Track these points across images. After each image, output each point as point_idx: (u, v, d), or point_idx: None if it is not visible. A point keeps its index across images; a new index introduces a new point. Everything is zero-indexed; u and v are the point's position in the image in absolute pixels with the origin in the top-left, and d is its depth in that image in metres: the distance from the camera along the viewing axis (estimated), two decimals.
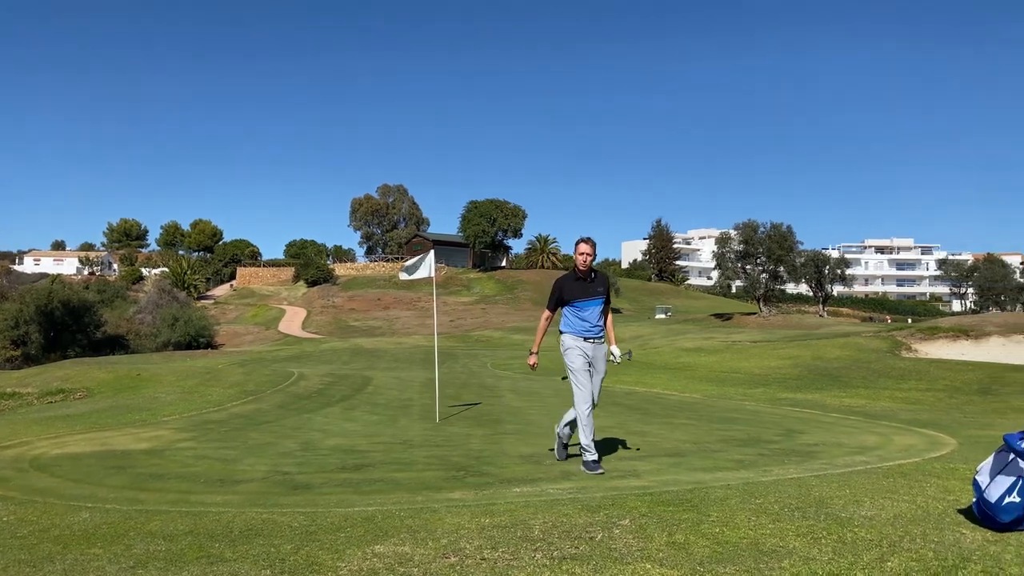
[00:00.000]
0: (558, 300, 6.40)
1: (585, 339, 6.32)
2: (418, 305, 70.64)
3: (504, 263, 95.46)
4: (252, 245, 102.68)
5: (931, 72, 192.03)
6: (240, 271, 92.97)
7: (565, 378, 6.41)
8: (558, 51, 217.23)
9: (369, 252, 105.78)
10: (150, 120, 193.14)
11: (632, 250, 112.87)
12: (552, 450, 7.19)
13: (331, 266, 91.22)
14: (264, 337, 58.04)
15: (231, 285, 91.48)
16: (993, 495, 3.92)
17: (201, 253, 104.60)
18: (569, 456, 6.94)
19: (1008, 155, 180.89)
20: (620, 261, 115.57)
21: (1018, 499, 3.82)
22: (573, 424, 6.58)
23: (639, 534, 3.93)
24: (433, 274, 11.48)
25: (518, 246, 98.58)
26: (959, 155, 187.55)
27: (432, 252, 12.01)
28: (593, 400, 6.35)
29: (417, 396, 15.66)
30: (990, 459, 4.13)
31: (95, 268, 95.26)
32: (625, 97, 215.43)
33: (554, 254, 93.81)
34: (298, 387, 17.58)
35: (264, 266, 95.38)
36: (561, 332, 6.42)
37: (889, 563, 3.33)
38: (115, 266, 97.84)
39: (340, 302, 75.04)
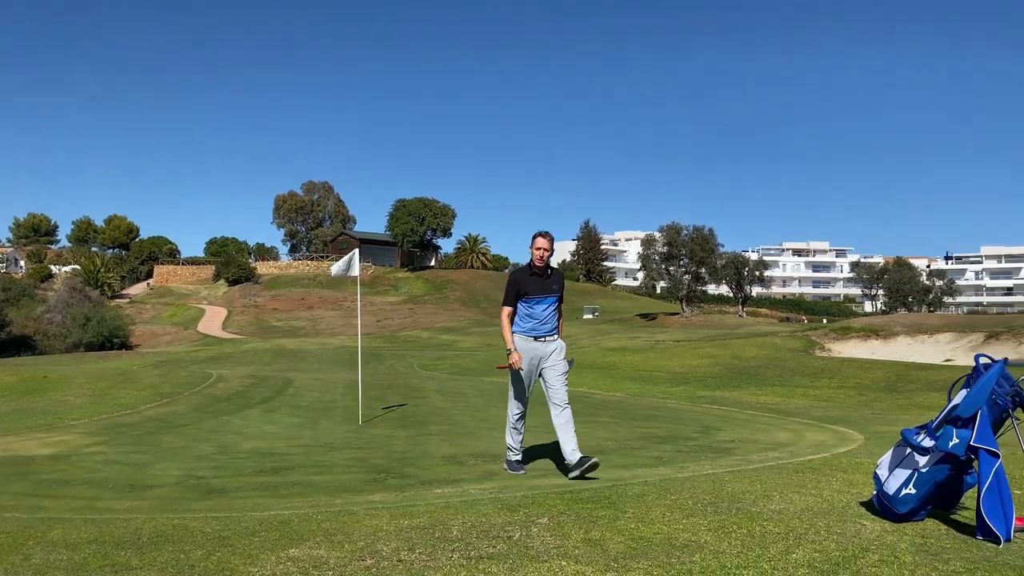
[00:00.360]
0: (516, 294, 6.09)
1: (536, 338, 6.07)
2: (343, 305, 69.63)
3: (433, 263, 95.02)
4: (170, 242, 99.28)
5: (842, 75, 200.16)
6: (158, 269, 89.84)
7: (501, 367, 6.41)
8: (485, 53, 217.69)
9: (293, 250, 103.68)
10: (61, 112, 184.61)
11: (560, 251, 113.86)
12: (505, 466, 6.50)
13: (253, 265, 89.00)
14: (182, 337, 56.24)
15: (148, 284, 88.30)
16: (891, 487, 4.11)
17: (116, 250, 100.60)
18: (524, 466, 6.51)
19: (916, 164, 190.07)
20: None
21: (914, 491, 4.02)
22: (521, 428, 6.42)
23: (557, 532, 3.97)
24: (358, 273, 11.33)
25: (447, 245, 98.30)
26: (873, 162, 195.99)
27: (357, 251, 11.85)
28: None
29: (340, 398, 15.43)
30: (889, 453, 4.33)
31: None
32: (553, 100, 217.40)
33: (484, 254, 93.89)
34: (216, 389, 17.10)
35: (183, 264, 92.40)
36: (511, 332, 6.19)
37: (794, 555, 3.45)
38: (22, 263, 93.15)
39: (262, 302, 73.32)
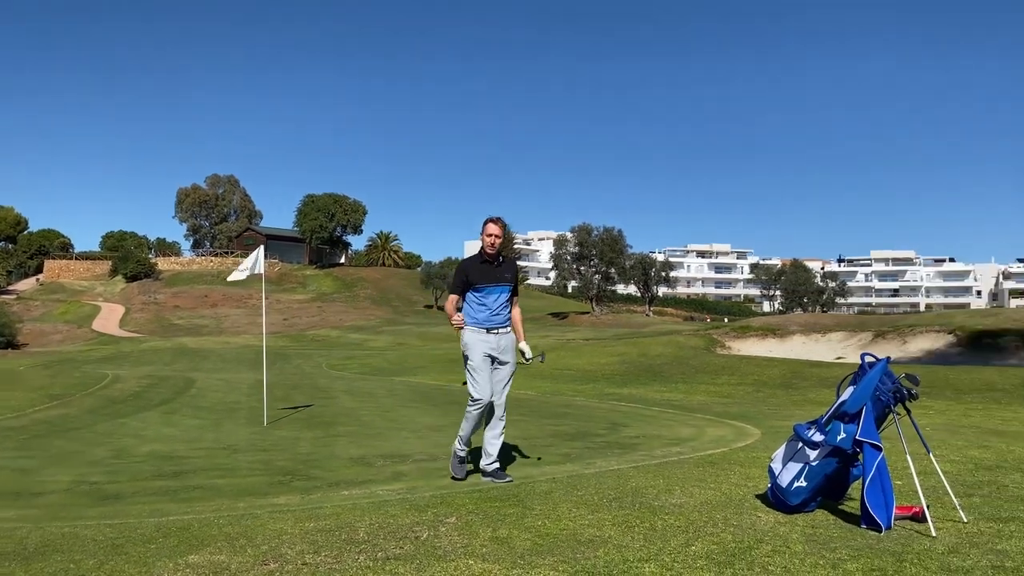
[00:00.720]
0: (463, 283, 5.69)
1: (488, 330, 5.63)
2: (248, 303, 67.62)
3: (343, 260, 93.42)
4: (63, 236, 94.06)
5: (740, 82, 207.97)
6: (48, 264, 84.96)
7: (465, 383, 5.71)
8: (394, 50, 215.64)
9: (196, 246, 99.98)
10: None
11: (475, 249, 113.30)
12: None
13: (153, 260, 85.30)
14: (75, 336, 53.41)
15: (37, 279, 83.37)
16: (784, 480, 4.31)
17: (2, 244, 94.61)
18: (469, 473, 5.98)
19: (813, 171, 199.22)
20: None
21: (805, 483, 4.23)
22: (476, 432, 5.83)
23: (464, 531, 3.98)
24: (263, 270, 11.04)
25: (358, 243, 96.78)
26: (773, 168, 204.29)
27: (262, 248, 11.54)
28: (492, 398, 5.62)
29: (244, 399, 15.00)
30: (783, 448, 4.54)
31: None
32: (466, 99, 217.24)
33: (396, 252, 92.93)
34: (112, 390, 16.34)
35: (77, 259, 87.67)
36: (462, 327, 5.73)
37: (693, 547, 3.58)
38: None
39: (163, 299, 70.42)
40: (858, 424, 4.10)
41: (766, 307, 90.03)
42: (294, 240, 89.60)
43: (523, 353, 5.89)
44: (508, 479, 5.55)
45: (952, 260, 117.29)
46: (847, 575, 3.17)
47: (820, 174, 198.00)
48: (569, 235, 55.30)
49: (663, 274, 62.19)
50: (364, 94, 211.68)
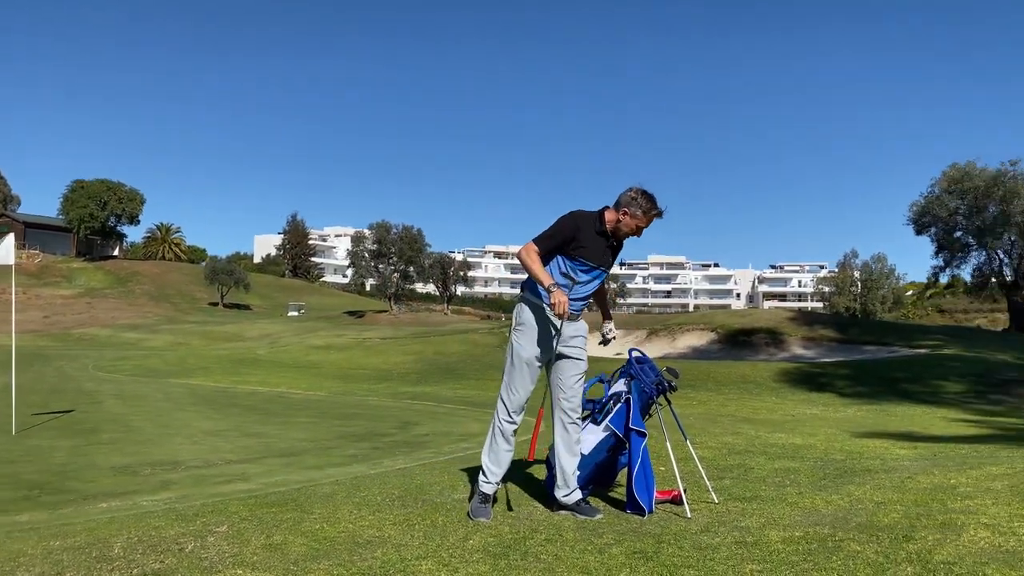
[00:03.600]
0: (566, 241, 4.03)
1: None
2: (0, 297, 60.08)
3: (117, 252, 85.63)
4: None
5: (535, 85, 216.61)
6: None
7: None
8: (188, 30, 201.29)
9: None
10: None
11: (266, 244, 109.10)
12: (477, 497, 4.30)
13: None
14: None
15: None
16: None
17: None
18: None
19: (599, 175, 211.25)
20: (252, 255, 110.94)
21: (579, 472, 4.44)
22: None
23: (235, 539, 3.77)
24: (12, 261, 9.81)
25: (135, 234, 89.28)
26: (565, 170, 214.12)
27: (12, 236, 10.27)
28: (564, 406, 4.25)
29: None
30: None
31: None
32: (257, 88, 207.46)
33: (178, 245, 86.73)
34: None
35: None
36: (522, 296, 4.26)
37: (471, 541, 3.63)
38: None
39: None
40: (626, 414, 4.38)
41: None
42: (59, 229, 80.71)
43: (609, 333, 4.67)
44: (598, 515, 4.11)
45: (717, 265, 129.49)
46: (612, 559, 3.36)
47: (607, 180, 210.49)
48: (367, 232, 54.51)
49: (461, 273, 63.07)
50: (147, 73, 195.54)
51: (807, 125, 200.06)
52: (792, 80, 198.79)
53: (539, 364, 4.23)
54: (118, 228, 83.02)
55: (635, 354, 4.65)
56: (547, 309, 4.04)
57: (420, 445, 7.73)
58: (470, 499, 4.37)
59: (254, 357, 25.65)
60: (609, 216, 4.09)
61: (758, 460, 6.25)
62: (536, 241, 4.04)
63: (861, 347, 23.16)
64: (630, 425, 4.32)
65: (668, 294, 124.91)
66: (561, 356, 4.25)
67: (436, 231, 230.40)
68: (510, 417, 4.26)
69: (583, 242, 4.02)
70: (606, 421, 4.50)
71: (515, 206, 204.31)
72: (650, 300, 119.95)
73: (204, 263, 76.56)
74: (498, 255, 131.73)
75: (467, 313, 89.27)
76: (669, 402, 4.55)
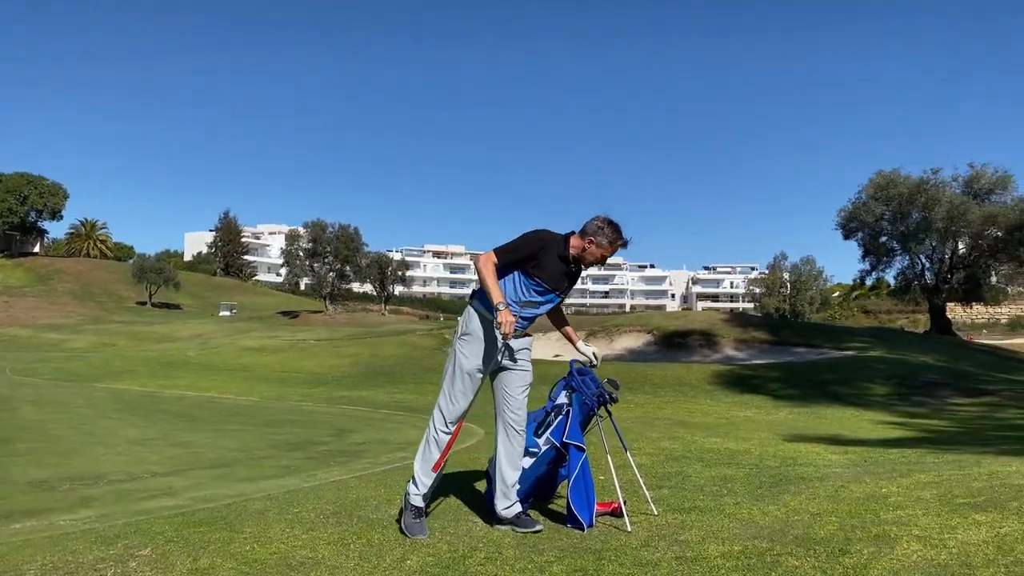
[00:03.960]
0: (526, 259, 3.98)
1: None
2: None
3: (38, 249, 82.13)
4: None
5: (470, 90, 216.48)
6: None
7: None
8: (111, 26, 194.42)
9: None
10: None
11: (196, 242, 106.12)
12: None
13: None
14: None
15: None
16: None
17: None
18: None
19: (538, 172, 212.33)
20: (183, 253, 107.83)
21: (519, 486, 4.38)
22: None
23: (159, 564, 3.58)
24: None
25: (57, 230, 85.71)
26: (503, 168, 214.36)
27: None
28: (509, 417, 4.18)
29: None
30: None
31: None
32: (188, 84, 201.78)
33: (104, 242, 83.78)
34: None
35: None
36: (471, 304, 4.11)
37: (408, 561, 3.53)
38: None
39: None
40: (565, 427, 4.35)
41: None
42: None
43: (591, 355, 4.52)
44: (537, 527, 4.05)
45: (652, 266, 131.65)
46: None
47: (545, 180, 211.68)
48: (302, 230, 53.54)
49: (400, 273, 62.57)
50: (72, 64, 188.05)
51: (742, 128, 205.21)
52: (728, 85, 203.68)
53: (481, 376, 4.16)
54: (39, 224, 79.69)
55: (576, 365, 4.61)
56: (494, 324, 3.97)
57: (356, 455, 7.57)
58: (400, 513, 4.25)
59: (183, 359, 24.88)
60: (575, 242, 4.04)
61: (695, 467, 6.31)
62: (497, 252, 3.96)
63: (791, 348, 23.78)
64: (567, 439, 4.29)
65: (606, 294, 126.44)
66: (506, 367, 4.19)
67: (374, 230, 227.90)
68: (447, 427, 4.18)
69: (543, 263, 3.96)
70: (547, 434, 4.46)
71: (454, 206, 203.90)
72: (588, 300, 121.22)
73: (132, 261, 74.02)
74: (437, 255, 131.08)
75: (405, 313, 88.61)
76: (610, 413, 4.53)
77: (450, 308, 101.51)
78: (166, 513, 4.79)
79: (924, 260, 34.58)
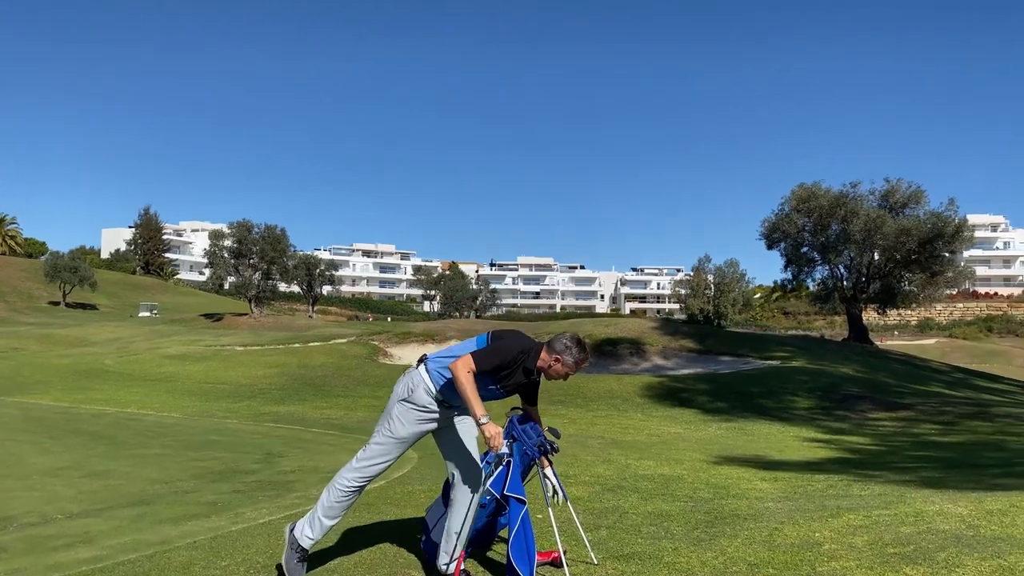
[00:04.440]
0: (505, 367, 3.95)
1: (449, 406, 4.07)
2: None
3: None
4: None
5: (405, 88, 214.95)
6: None
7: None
8: (26, 18, 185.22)
9: None
10: None
11: (115, 239, 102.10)
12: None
13: None
14: None
15: None
16: (437, 535, 4.34)
17: None
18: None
19: (471, 178, 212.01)
20: (100, 250, 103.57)
21: None
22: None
23: None
24: None
25: None
26: (437, 172, 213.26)
27: None
28: (464, 477, 4.11)
29: None
30: (439, 498, 4.58)
31: None
32: (108, 74, 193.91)
33: (13, 237, 79.70)
34: None
35: None
36: (419, 371, 4.06)
37: None
38: None
39: None
40: (505, 479, 4.28)
41: (427, 307, 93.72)
42: None
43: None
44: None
45: (582, 267, 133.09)
46: None
47: (475, 182, 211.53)
48: (226, 230, 52.04)
49: (329, 273, 61.51)
50: None
51: (668, 131, 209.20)
52: (656, 87, 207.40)
53: (409, 445, 4.12)
54: None
55: (516, 413, 4.56)
56: (455, 411, 4.01)
57: (285, 486, 7.33)
58: (286, 556, 4.01)
59: (101, 368, 23.83)
60: (543, 357, 4.06)
61: (631, 500, 6.34)
62: (477, 360, 3.87)
63: (717, 358, 24.32)
64: (507, 492, 4.23)
65: (537, 295, 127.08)
66: (450, 424, 4.14)
67: (302, 229, 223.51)
68: (362, 482, 4.09)
69: (513, 373, 3.99)
70: (487, 484, 4.39)
71: (385, 205, 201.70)
72: (519, 301, 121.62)
73: (44, 257, 70.60)
74: (367, 253, 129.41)
75: (333, 314, 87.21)
76: (551, 463, 4.49)
77: (380, 308, 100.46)
78: (83, 569, 4.53)
79: (843, 270, 35.94)
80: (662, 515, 5.66)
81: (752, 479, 7.49)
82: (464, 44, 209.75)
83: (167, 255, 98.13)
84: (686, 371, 22.76)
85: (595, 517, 5.68)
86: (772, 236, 35.62)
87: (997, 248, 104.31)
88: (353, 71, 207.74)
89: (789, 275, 37.18)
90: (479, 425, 3.81)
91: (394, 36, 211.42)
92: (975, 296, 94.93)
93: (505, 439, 4.46)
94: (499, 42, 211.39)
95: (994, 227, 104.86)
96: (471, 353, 3.90)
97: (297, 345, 29.04)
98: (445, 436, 4.20)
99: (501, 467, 4.37)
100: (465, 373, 3.80)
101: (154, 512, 6.22)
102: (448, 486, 4.35)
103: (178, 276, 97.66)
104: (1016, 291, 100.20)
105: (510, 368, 3.97)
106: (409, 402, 4.03)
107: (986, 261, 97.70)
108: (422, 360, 4.14)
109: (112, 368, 23.41)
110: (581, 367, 4.14)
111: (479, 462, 4.19)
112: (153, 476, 8.06)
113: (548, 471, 4.46)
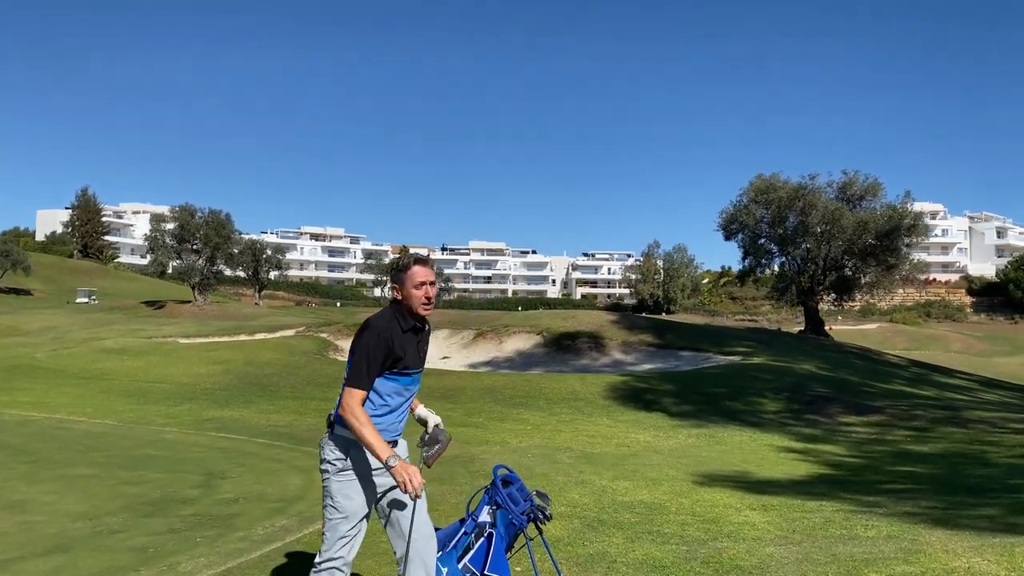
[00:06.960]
0: (385, 362, 3.32)
1: (390, 442, 3.39)
2: None
3: None
4: None
5: (354, 75, 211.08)
6: None
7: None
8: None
9: None
10: None
11: (51, 220, 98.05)
12: None
13: None
14: None
15: None
16: None
17: None
18: None
19: (426, 161, 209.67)
20: (35, 232, 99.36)
21: None
22: None
23: None
24: None
25: None
26: (389, 152, 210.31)
27: None
28: (419, 550, 3.41)
29: None
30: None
31: None
32: (40, 48, 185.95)
33: None
34: None
35: None
36: (338, 434, 3.39)
37: None
38: None
39: None
40: (486, 556, 3.63)
41: (377, 292, 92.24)
42: None
43: (435, 428, 3.69)
44: None
45: (534, 252, 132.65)
46: None
47: (428, 163, 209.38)
48: (168, 213, 50.11)
49: (277, 258, 59.89)
50: None
51: (620, 116, 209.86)
52: (610, 71, 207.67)
53: (368, 512, 3.49)
54: None
55: (501, 472, 3.88)
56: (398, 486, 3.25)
57: (227, 522, 6.53)
58: None
59: (31, 363, 22.39)
60: (398, 299, 3.44)
61: (616, 542, 5.75)
62: (355, 387, 3.27)
63: (677, 352, 24.00)
64: (489, 572, 3.58)
65: (488, 279, 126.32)
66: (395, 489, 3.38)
67: (247, 212, 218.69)
68: (343, 570, 3.43)
69: (398, 351, 3.34)
70: (465, 560, 3.72)
71: (333, 190, 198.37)
72: (471, 285, 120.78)
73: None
74: (315, 236, 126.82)
75: (280, 298, 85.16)
76: (540, 532, 3.84)
77: (329, 292, 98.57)
78: None
79: (800, 262, 35.98)
80: (655, 565, 5.07)
81: (740, 507, 6.96)
82: (416, 26, 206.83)
83: (106, 238, 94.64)
84: (647, 366, 22.37)
85: (579, 567, 5.07)
86: (730, 227, 35.51)
87: (936, 235, 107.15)
88: (300, 51, 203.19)
89: (747, 266, 37.14)
90: (388, 469, 3.19)
91: (340, 22, 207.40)
92: (914, 282, 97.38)
93: (487, 506, 3.80)
94: (454, 24, 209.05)
95: (933, 215, 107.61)
96: (344, 383, 3.30)
97: (243, 337, 27.86)
98: (385, 502, 3.53)
99: (482, 540, 3.71)
100: (357, 412, 3.23)
101: (72, 563, 5.40)
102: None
103: (118, 260, 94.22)
104: (953, 277, 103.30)
105: (392, 352, 3.31)
106: (345, 472, 3.38)
107: (925, 248, 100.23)
108: (333, 423, 3.44)
109: (43, 363, 22.01)
110: (416, 268, 3.38)
111: (429, 526, 3.50)
112: (77, 509, 7.16)
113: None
